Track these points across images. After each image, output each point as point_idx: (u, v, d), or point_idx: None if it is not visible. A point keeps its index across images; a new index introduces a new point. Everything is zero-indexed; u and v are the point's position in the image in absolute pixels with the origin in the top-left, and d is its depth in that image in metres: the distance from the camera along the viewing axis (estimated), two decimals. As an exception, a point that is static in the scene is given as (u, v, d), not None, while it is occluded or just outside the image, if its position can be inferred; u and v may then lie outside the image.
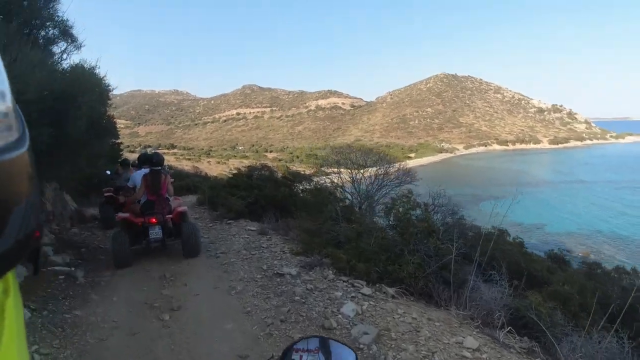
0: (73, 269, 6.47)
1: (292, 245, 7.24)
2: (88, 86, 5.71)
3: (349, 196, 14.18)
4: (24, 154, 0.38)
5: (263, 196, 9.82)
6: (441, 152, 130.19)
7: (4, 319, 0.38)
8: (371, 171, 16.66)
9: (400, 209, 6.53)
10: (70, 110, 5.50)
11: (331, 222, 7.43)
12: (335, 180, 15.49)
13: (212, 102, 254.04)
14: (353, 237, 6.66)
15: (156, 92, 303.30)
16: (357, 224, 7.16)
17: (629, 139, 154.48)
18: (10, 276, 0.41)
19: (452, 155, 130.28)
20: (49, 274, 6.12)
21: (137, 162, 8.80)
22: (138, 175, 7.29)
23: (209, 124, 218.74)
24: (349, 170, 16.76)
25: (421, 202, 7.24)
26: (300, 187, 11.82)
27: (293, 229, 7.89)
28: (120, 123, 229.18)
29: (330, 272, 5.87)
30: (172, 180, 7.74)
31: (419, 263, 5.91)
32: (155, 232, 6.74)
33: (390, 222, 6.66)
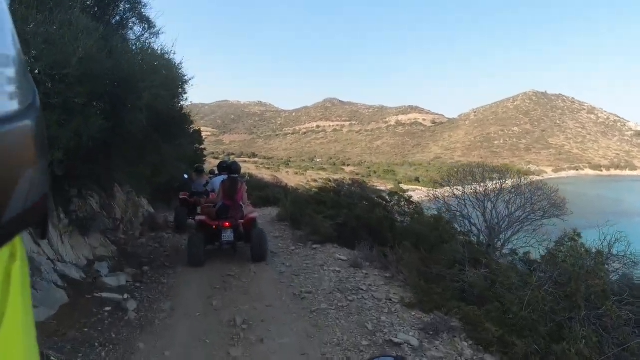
0: (126, 297, 5.26)
1: (399, 290, 5.49)
2: (153, 68, 4.42)
3: (474, 228, 10.57)
4: (31, 122, 0.38)
5: (354, 217, 8.29)
6: (527, 175, 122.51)
7: (9, 285, 0.38)
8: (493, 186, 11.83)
9: (568, 260, 4.57)
10: (129, 98, 4.24)
11: (457, 266, 5.59)
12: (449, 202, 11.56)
13: (294, 114, 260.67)
14: (487, 290, 4.80)
15: (241, 102, 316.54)
16: (491, 270, 5.28)
17: None
18: (17, 241, 0.41)
19: (539, 178, 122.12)
20: (95, 302, 4.96)
21: (216, 169, 9.55)
22: (217, 181, 8.13)
23: (289, 135, 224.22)
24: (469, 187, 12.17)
25: (591, 248, 5.20)
26: (396, 208, 9.90)
27: (394, 264, 6.20)
28: (207, 131, 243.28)
29: (466, 343, 4.05)
30: (246, 188, 8.15)
31: (598, 340, 3.98)
32: (228, 235, 7.17)
33: (552, 275, 4.67)
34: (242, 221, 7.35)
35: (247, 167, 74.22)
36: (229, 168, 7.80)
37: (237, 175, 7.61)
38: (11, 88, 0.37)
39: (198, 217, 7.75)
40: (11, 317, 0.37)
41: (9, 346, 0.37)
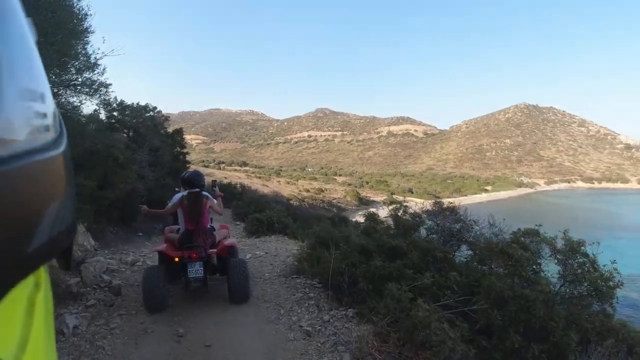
0: None
1: None
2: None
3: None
4: (60, 154, 0.40)
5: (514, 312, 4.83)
6: (520, 187, 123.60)
7: (33, 313, 0.39)
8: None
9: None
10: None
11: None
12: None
13: (285, 123, 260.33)
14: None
15: (233, 111, 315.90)
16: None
17: None
18: (42, 270, 0.42)
19: (532, 190, 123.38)
20: None
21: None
22: (176, 199, 5.78)
23: (280, 144, 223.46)
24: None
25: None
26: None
27: None
28: (198, 139, 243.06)
29: None
30: (221, 194, 6.36)
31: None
32: (195, 270, 5.53)
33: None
34: (215, 250, 5.80)
35: (238, 176, 72.95)
36: (188, 180, 5.80)
37: (199, 189, 5.72)
38: (45, 121, 0.39)
39: (156, 247, 6.12)
40: (34, 345, 0.37)
41: None
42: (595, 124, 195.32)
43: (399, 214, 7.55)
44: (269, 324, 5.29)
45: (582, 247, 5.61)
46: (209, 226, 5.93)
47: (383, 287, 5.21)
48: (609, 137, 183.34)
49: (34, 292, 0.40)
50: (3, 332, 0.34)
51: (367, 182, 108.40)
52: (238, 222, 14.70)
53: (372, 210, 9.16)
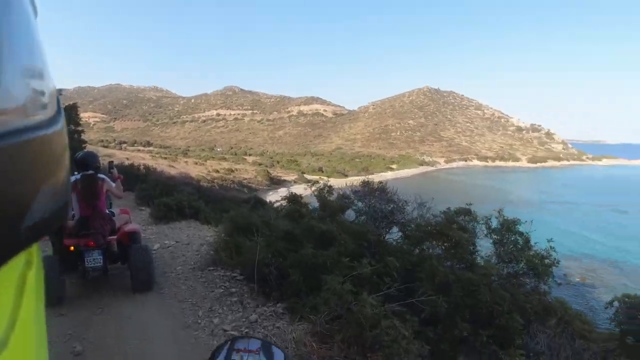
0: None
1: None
2: None
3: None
4: (57, 132, 0.40)
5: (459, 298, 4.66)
6: (422, 165, 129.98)
7: (23, 292, 0.39)
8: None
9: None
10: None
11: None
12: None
13: (192, 101, 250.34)
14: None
15: (135, 87, 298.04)
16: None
17: (606, 162, 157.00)
18: (34, 248, 0.42)
19: (433, 168, 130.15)
20: None
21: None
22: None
23: (187, 123, 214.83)
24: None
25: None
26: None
27: None
28: (96, 117, 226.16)
29: None
30: (120, 176, 5.86)
31: None
32: (94, 259, 5.13)
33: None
34: (115, 237, 5.43)
35: (142, 157, 68.71)
36: (81, 162, 5.39)
37: (94, 172, 5.32)
38: (43, 99, 0.39)
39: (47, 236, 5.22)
40: (24, 324, 0.37)
41: (20, 352, 0.37)
42: (491, 108, 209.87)
43: (324, 194, 7.06)
44: (186, 329, 4.49)
45: (517, 226, 5.53)
46: (107, 211, 5.54)
47: (317, 278, 4.68)
48: (502, 120, 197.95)
49: (25, 269, 0.40)
50: None
51: (278, 162, 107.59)
52: (143, 207, 13.32)
53: (293, 191, 8.47)
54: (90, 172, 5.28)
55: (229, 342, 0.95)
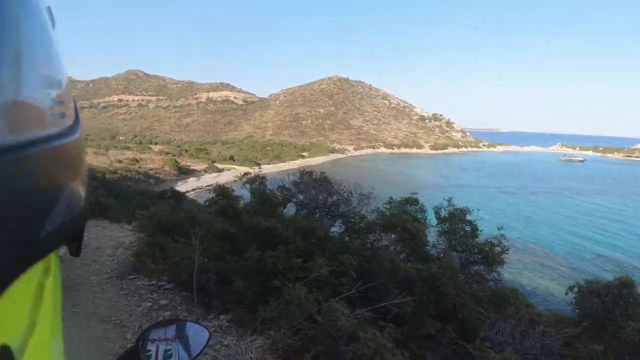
0: None
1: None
2: None
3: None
4: (75, 141, 0.41)
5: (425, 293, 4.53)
6: (333, 152, 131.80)
7: (41, 299, 0.39)
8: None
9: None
10: None
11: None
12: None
13: (91, 85, 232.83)
14: None
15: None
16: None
17: (500, 148, 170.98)
18: (52, 256, 0.43)
19: (343, 155, 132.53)
20: None
21: None
22: None
23: (85, 109, 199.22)
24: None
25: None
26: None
27: None
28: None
29: None
30: None
31: None
32: None
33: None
34: None
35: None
36: None
37: None
38: (62, 108, 0.40)
39: None
40: (42, 331, 0.38)
41: (38, 358, 0.37)
42: (396, 98, 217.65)
43: (257, 186, 6.42)
44: (113, 360, 3.76)
45: (466, 215, 5.38)
46: None
47: (264, 284, 4.12)
48: (407, 109, 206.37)
49: (44, 277, 0.40)
50: (11, 317, 0.34)
51: (187, 151, 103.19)
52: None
53: (218, 182, 7.64)
54: None
55: (143, 333, 0.96)
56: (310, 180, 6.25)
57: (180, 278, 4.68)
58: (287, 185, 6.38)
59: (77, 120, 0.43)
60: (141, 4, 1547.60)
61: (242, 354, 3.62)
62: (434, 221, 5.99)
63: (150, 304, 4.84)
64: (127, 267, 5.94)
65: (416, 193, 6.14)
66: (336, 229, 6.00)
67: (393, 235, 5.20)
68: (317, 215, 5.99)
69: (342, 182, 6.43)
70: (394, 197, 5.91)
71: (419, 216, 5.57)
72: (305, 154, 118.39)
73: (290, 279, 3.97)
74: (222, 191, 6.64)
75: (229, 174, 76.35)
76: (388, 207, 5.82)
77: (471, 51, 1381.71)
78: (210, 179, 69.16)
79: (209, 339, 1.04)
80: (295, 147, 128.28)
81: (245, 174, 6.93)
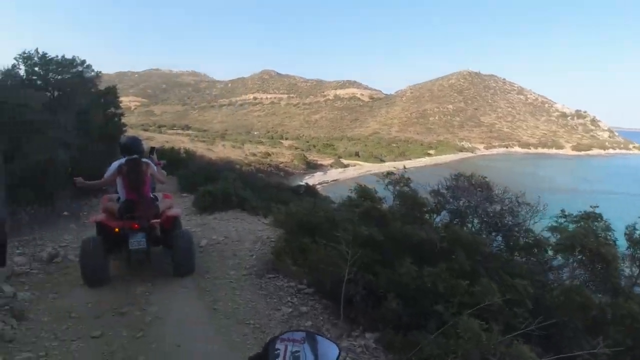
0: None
1: None
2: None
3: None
4: None
5: None
6: (461, 151, 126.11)
7: None
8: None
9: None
10: None
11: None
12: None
13: (230, 85, 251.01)
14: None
15: (173, 72, 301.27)
16: None
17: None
18: None
19: (472, 155, 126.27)
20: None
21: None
22: (114, 167, 5.47)
23: (224, 107, 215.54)
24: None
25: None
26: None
27: None
28: (137, 101, 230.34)
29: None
30: (160, 162, 6.54)
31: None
32: (138, 242, 5.20)
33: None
34: (158, 221, 5.52)
35: (181, 140, 69.01)
36: (125, 146, 5.61)
37: (138, 156, 5.48)
38: None
39: (94, 217, 5.70)
40: None
41: None
42: (533, 93, 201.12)
43: (401, 188, 5.77)
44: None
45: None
46: (151, 195, 5.70)
47: (420, 305, 3.52)
48: (545, 105, 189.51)
49: None
50: None
51: (314, 146, 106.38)
52: (185, 194, 12.40)
53: (361, 182, 7.09)
54: (135, 156, 5.40)
55: (278, 335, 1.02)
56: (467, 185, 5.43)
57: (324, 285, 4.24)
58: (440, 190, 5.59)
59: None
60: (272, 12, 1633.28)
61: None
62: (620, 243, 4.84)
63: (290, 309, 4.51)
64: (266, 264, 5.75)
65: (596, 206, 4.99)
66: (496, 244, 5.12)
67: (571, 259, 4.23)
68: (471, 227, 5.18)
69: (507, 190, 5.49)
70: (565, 210, 4.90)
71: (607, 235, 4.48)
72: (431, 151, 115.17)
73: (454, 304, 3.30)
74: (364, 192, 6.13)
75: (354, 170, 77.41)
76: (562, 221, 4.82)
77: (620, 40, 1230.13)
78: (335, 174, 70.74)
79: (338, 356, 1.01)
80: (422, 145, 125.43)
81: (389, 173, 6.34)
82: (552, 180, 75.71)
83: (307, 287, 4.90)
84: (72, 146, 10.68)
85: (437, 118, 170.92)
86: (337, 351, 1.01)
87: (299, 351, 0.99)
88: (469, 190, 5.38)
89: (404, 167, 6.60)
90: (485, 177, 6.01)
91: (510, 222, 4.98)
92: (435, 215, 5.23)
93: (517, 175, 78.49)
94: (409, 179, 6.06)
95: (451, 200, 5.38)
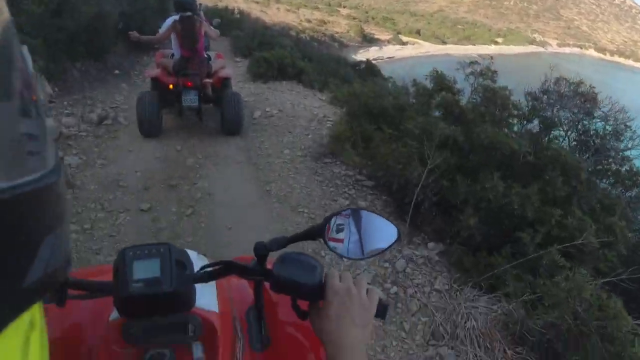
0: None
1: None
2: None
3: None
4: (55, 185, 0.39)
5: None
6: (532, 44, 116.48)
7: (28, 353, 0.37)
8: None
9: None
10: None
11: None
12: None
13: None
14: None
15: None
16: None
17: None
18: (37, 308, 0.41)
19: (543, 50, 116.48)
20: None
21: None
22: (168, 24, 5.45)
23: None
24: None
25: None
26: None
27: None
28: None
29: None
30: (209, 21, 6.46)
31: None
32: (190, 99, 5.40)
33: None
34: (210, 80, 5.59)
35: (235, 1, 66.08)
36: (179, 3, 5.42)
37: (192, 13, 5.29)
38: (42, 151, 0.38)
39: (149, 72, 5.88)
40: None
41: None
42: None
43: (487, 83, 5.00)
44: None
45: None
46: (205, 54, 5.74)
47: (501, 226, 3.08)
48: (633, 10, 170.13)
49: (29, 330, 0.37)
50: None
51: (373, 18, 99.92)
52: (239, 59, 11.76)
53: (436, 68, 6.17)
54: (189, 13, 5.26)
55: (339, 211, 0.99)
56: (572, 92, 4.57)
57: (390, 184, 3.80)
58: (537, 94, 4.75)
59: (57, 164, 0.40)
60: None
61: (457, 313, 2.73)
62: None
63: (347, 201, 4.18)
64: (322, 147, 5.36)
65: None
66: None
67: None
68: (567, 144, 4.49)
69: (613, 103, 4.64)
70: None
71: None
72: (499, 39, 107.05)
73: (540, 234, 2.82)
74: (440, 79, 5.39)
75: (412, 49, 72.89)
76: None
77: None
78: (392, 51, 66.80)
79: (397, 239, 0.97)
80: (490, 30, 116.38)
81: (472, 62, 5.50)
82: (622, 95, 70.08)
83: (366, 178, 4.52)
84: (123, 0, 10.06)
85: (512, 3, 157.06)
86: (395, 233, 0.96)
87: (342, 225, 0.98)
88: (572, 99, 4.54)
89: (491, 58, 5.70)
90: (594, 86, 5.12)
91: (609, 146, 4.27)
92: (525, 123, 4.55)
93: (601, 86, 72.97)
94: (495, 71, 5.26)
95: (546, 107, 4.59)
